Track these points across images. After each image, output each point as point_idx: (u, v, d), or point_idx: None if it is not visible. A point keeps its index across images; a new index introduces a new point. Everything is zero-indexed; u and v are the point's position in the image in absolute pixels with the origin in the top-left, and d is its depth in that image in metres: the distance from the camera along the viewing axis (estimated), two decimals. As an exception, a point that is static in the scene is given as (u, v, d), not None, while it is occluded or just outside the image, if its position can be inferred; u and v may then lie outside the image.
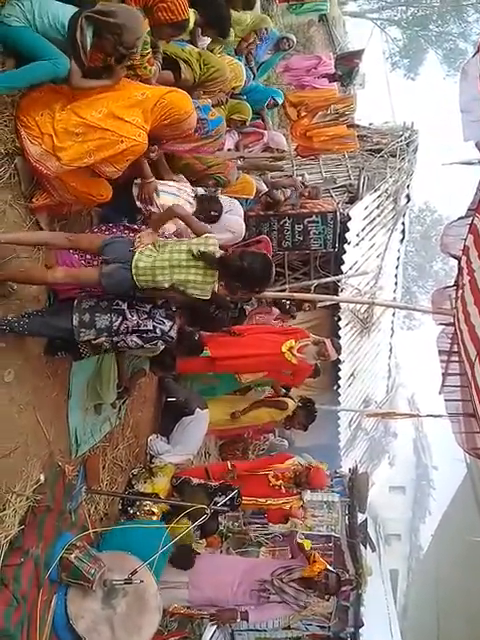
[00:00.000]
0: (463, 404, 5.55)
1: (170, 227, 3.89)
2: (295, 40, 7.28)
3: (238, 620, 4.92)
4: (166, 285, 3.22)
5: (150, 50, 3.52)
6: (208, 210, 4.43)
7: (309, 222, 7.50)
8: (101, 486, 4.39)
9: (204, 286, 3.25)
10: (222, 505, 4.58)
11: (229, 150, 5.83)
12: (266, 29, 6.29)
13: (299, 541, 5.33)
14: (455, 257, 5.54)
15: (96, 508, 4.32)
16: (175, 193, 4.22)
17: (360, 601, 7.30)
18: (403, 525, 27.82)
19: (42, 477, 3.56)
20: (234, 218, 5.21)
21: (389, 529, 25.67)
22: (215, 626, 5.50)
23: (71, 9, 3.12)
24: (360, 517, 8.29)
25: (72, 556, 3.45)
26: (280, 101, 6.92)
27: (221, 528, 6.49)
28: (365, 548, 8.14)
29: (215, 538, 6.15)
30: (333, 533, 7.58)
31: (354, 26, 27.11)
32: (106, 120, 3.15)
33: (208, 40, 5.08)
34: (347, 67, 8.70)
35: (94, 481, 4.30)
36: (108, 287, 3.22)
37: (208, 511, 4.10)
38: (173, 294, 3.33)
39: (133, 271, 3.17)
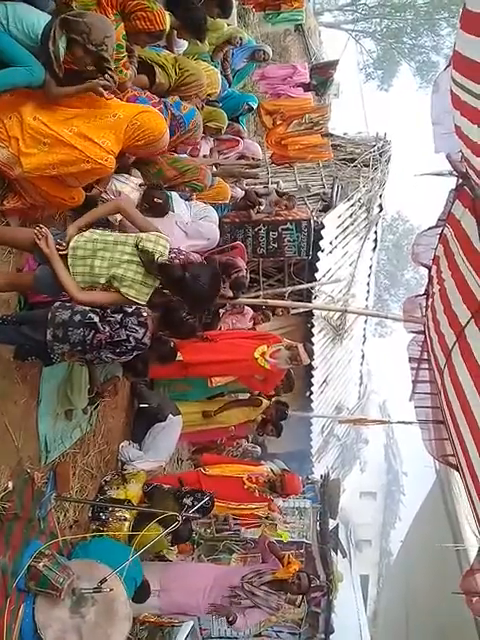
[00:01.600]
0: (433, 411, 5.63)
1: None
2: (271, 52, 7.34)
3: (231, 619, 4.84)
4: (103, 280, 3.09)
5: (125, 54, 3.51)
6: (151, 197, 4.39)
7: (283, 230, 7.56)
8: (71, 493, 4.33)
9: (141, 288, 3.09)
10: (194, 511, 4.56)
11: (205, 156, 5.84)
12: (240, 39, 6.33)
13: (276, 535, 5.34)
14: (426, 266, 5.62)
15: (65, 515, 4.26)
16: (123, 180, 4.20)
17: (331, 607, 7.34)
18: (374, 531, 28.03)
19: (10, 484, 3.50)
20: (208, 225, 5.23)
21: (360, 535, 25.84)
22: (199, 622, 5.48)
23: (46, 18, 3.11)
24: (331, 523, 8.34)
25: (40, 565, 3.40)
26: (254, 106, 6.97)
27: (193, 535, 6.47)
28: (336, 554, 8.20)
29: (187, 545, 6.12)
30: (304, 539, 7.61)
31: (329, 37, 27.40)
32: (76, 139, 3.12)
33: (184, 45, 5.11)
34: (322, 77, 8.81)
35: (64, 488, 4.25)
36: (44, 292, 3.16)
37: (180, 518, 4.08)
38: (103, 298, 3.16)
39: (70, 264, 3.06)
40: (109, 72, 3.20)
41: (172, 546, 5.33)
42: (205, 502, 4.70)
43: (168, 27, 3.89)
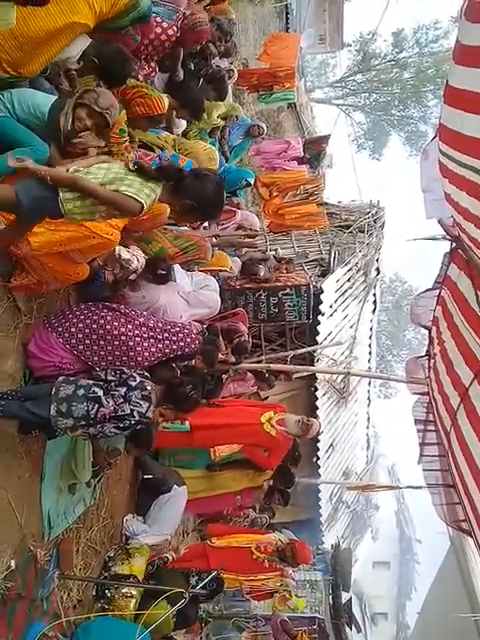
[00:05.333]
0: (442, 474, 5.52)
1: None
2: (265, 128, 7.71)
3: None
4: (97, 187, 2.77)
5: (127, 138, 3.71)
6: (156, 268, 4.49)
7: (284, 295, 7.68)
8: (74, 571, 4.21)
9: (142, 188, 2.78)
10: (200, 588, 4.42)
11: (204, 228, 6.03)
12: (236, 116, 6.68)
13: (287, 611, 5.14)
14: (425, 327, 5.68)
15: (69, 594, 4.11)
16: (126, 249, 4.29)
17: (347, 687, 6.97)
18: (389, 603, 26.82)
19: (13, 563, 3.41)
20: (210, 293, 5.33)
21: (375, 608, 24.75)
22: None
23: (50, 98, 3.31)
24: (344, 596, 8.04)
25: (43, 648, 3.28)
26: (252, 181, 7.25)
27: (200, 613, 6.21)
28: (350, 629, 7.86)
29: (195, 624, 5.87)
30: (317, 614, 7.31)
31: (321, 111, 28.78)
32: None
33: (184, 125, 5.39)
34: (315, 151, 9.19)
35: (67, 566, 4.13)
36: (28, 206, 2.77)
37: (186, 595, 3.96)
38: (103, 193, 2.80)
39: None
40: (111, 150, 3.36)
41: (176, 630, 5.10)
42: (210, 581, 4.56)
43: (166, 110, 4.12)
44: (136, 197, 2.74)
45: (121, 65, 3.54)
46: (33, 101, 3.24)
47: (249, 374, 6.93)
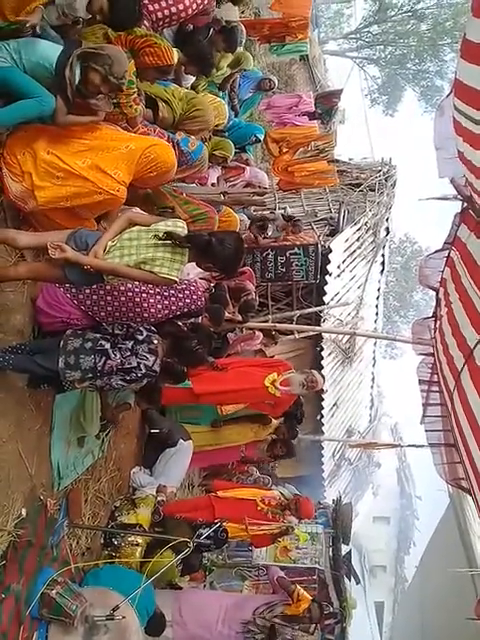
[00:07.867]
0: (444, 434, 5.60)
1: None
2: (276, 81, 7.51)
3: None
4: (132, 264, 3.14)
5: (136, 90, 3.63)
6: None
7: (291, 254, 7.64)
8: (83, 520, 4.34)
9: (172, 265, 3.15)
10: (205, 538, 4.54)
11: (212, 184, 5.95)
12: (244, 67, 6.49)
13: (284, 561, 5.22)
14: (433, 289, 5.66)
15: (78, 542, 4.26)
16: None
17: (345, 635, 7.22)
18: (388, 556, 27.49)
19: (24, 511, 3.53)
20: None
21: (374, 560, 25.40)
22: None
23: (57, 48, 3.22)
24: (344, 549, 8.24)
25: (53, 592, 3.41)
26: (261, 137, 7.11)
27: (205, 562, 6.41)
28: (349, 580, 8.08)
29: (199, 572, 6.07)
30: (317, 565, 7.51)
31: (334, 64, 27.93)
32: (89, 171, 3.22)
33: (192, 79, 5.26)
34: (326, 106, 8.99)
35: (76, 515, 4.26)
36: (73, 279, 3.20)
37: (191, 545, 4.07)
38: (140, 275, 3.21)
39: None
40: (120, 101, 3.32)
41: (182, 576, 5.27)
42: (216, 530, 4.67)
43: (176, 62, 4.02)
44: (168, 277, 3.15)
45: (132, 11, 3.49)
46: (40, 52, 3.16)
47: (257, 333, 6.95)
